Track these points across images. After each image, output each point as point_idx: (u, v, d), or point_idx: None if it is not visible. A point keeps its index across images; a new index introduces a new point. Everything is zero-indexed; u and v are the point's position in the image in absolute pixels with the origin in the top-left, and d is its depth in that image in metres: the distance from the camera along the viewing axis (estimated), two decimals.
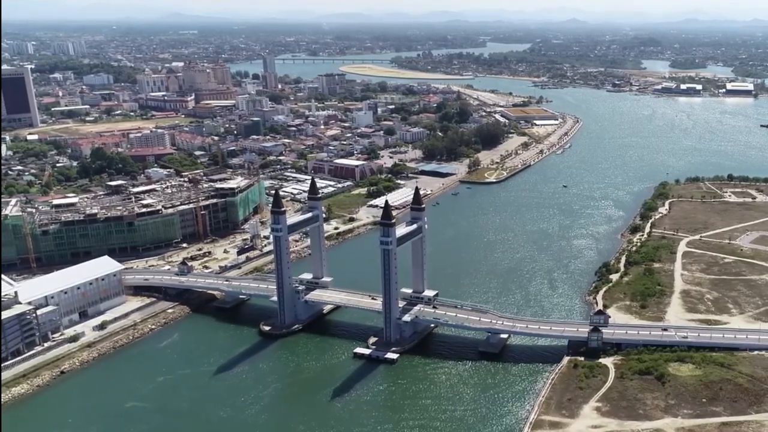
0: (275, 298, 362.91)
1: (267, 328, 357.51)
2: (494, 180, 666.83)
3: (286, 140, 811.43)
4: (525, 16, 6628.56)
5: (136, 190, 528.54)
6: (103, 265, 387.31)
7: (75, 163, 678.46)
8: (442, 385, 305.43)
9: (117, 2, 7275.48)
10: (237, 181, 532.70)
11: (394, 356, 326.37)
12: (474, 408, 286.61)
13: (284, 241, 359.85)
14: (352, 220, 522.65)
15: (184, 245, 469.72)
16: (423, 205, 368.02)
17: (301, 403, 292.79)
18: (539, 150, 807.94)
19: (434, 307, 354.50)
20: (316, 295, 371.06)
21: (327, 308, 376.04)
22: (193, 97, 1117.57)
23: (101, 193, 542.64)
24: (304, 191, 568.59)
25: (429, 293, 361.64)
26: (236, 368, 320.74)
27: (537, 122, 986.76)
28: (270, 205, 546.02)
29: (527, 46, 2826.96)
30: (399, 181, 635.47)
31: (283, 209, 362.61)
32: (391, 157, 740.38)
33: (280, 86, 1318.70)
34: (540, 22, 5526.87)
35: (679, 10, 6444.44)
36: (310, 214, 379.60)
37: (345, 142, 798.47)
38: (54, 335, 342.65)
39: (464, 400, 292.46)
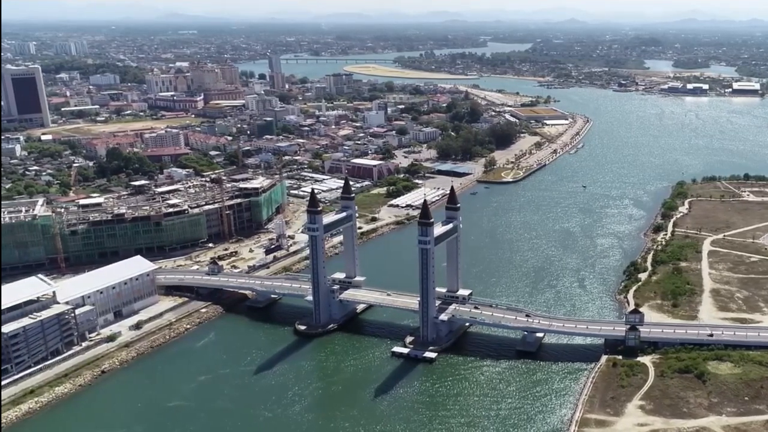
0: (310, 298, 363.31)
1: (302, 327, 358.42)
2: (511, 180, 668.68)
3: (300, 140, 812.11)
4: (524, 16, 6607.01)
5: (160, 190, 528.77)
6: (136, 265, 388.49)
7: (91, 164, 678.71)
8: (484, 384, 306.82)
9: (115, 2, 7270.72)
10: (260, 181, 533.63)
11: (433, 355, 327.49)
12: (518, 406, 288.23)
13: (320, 240, 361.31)
14: (374, 219, 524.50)
15: (210, 245, 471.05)
16: (458, 205, 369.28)
17: (345, 402, 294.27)
18: (553, 150, 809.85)
19: (476, 307, 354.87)
20: (350, 294, 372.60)
21: (360, 307, 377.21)
22: (202, 97, 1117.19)
23: (124, 193, 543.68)
24: (323, 191, 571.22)
25: (463, 292, 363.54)
26: (276, 368, 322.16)
27: (548, 122, 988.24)
28: (290, 204, 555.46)
29: (528, 46, 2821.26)
30: (416, 181, 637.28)
31: (319, 209, 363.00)
32: (405, 157, 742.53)
33: (287, 86, 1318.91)
34: (539, 22, 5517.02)
35: (677, 11, 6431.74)
36: (344, 214, 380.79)
37: (359, 142, 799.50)
38: (91, 335, 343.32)
39: (507, 399, 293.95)
